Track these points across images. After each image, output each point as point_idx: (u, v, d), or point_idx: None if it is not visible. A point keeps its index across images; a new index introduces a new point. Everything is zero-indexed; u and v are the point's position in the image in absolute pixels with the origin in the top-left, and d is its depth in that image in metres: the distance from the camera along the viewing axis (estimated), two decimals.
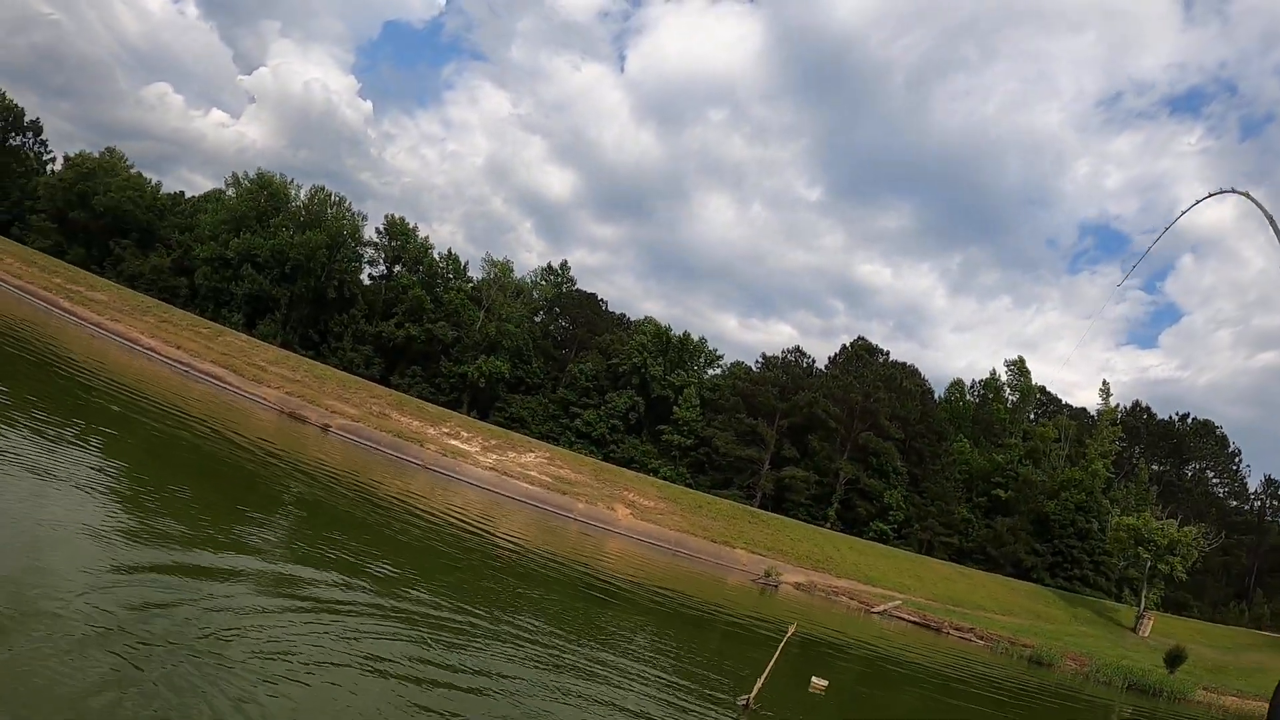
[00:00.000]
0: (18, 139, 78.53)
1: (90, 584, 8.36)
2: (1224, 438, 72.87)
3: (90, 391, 22.23)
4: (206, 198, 77.82)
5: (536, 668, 10.95)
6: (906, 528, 62.46)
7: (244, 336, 55.96)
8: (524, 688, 9.77)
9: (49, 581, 8.08)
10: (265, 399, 42.13)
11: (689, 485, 58.56)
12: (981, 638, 31.60)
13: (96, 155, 76.02)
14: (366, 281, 74.79)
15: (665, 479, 58.16)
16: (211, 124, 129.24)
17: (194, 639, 7.85)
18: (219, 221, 69.25)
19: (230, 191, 73.60)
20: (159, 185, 79.41)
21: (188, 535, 11.53)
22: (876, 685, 18.20)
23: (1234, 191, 10.55)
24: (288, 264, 67.41)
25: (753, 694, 11.42)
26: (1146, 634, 42.41)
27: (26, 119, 79.03)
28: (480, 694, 9.05)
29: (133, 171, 77.04)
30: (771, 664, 11.78)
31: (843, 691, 15.22)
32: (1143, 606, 46.07)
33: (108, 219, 71.56)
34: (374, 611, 11.13)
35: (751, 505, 57.52)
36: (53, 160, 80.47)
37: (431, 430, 47.48)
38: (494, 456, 46.44)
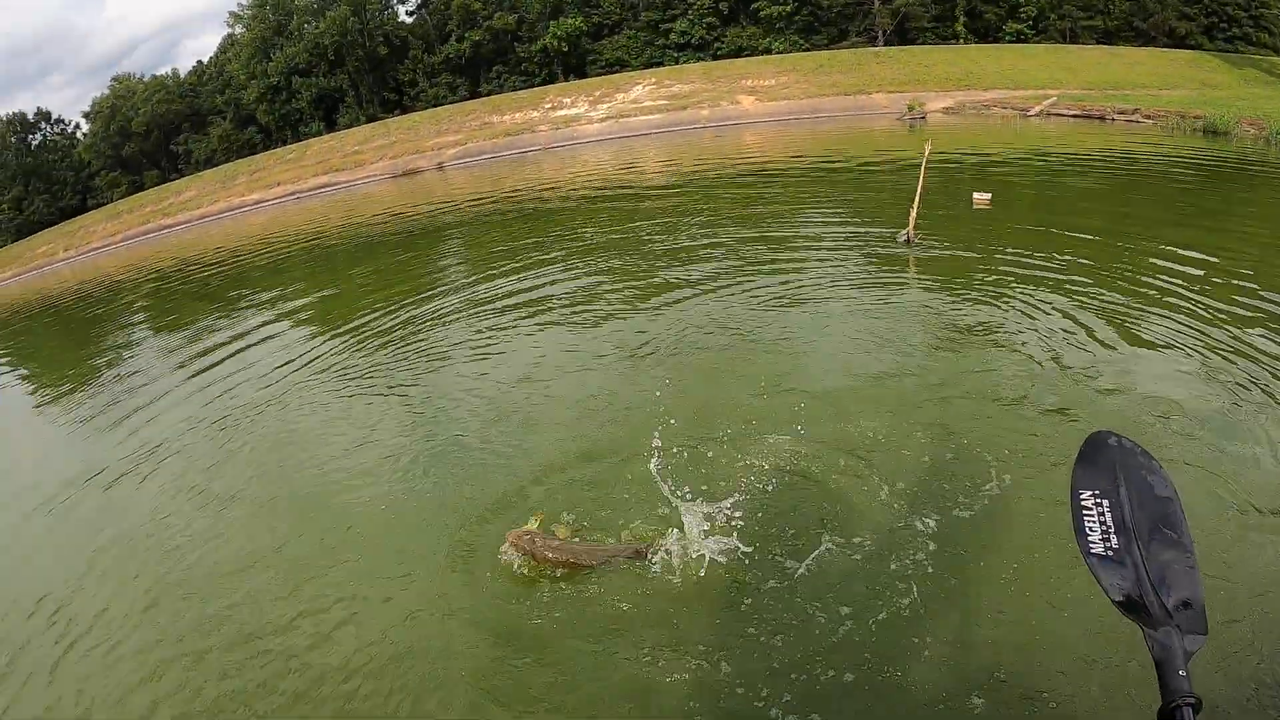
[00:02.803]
0: (36, 136, 76.86)
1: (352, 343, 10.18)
2: None
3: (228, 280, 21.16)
4: (222, 49, 75.31)
5: (712, 263, 12.01)
6: (1043, 21, 56.65)
7: (326, 137, 57.12)
8: (699, 277, 11.16)
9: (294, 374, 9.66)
10: (375, 174, 43.17)
11: (806, 51, 55.47)
12: (1149, 116, 29.84)
13: (108, 93, 74.26)
14: (409, 20, 72.08)
15: (779, 54, 55.42)
16: None
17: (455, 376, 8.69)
18: (247, 59, 68.43)
19: (238, 29, 71.36)
20: (175, 71, 77.83)
21: (381, 317, 12.15)
22: (1046, 186, 17.56)
23: None
24: (328, 52, 66.37)
25: (910, 226, 11.15)
26: None
27: (30, 114, 76.53)
28: (682, 283, 10.97)
29: (145, 79, 75.63)
30: (919, 192, 11.26)
31: (1009, 201, 15.01)
32: None
33: (154, 131, 71.83)
34: (569, 269, 12.82)
35: (875, 47, 54.44)
36: (77, 129, 79.20)
37: (535, 113, 47.39)
38: (604, 106, 46.04)
